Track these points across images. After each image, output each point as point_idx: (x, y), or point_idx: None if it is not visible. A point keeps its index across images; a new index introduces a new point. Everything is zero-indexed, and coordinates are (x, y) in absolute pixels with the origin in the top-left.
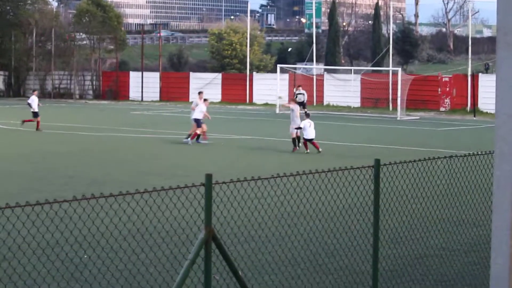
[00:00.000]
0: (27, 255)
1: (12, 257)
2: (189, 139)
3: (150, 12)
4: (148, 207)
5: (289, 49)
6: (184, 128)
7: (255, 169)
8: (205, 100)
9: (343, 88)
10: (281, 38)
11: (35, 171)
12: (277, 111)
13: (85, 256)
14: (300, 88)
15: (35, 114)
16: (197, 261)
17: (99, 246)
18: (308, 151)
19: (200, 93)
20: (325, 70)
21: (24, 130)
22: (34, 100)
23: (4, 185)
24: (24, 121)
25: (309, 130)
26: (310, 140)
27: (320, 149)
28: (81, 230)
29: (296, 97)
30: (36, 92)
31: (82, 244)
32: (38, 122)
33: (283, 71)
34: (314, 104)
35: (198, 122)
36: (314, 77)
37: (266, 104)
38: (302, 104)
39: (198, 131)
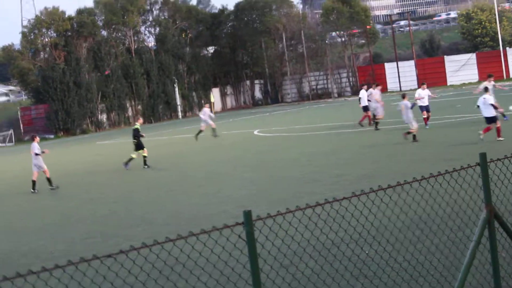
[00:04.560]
0: (312, 256)
1: (298, 260)
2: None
3: (396, 2)
4: (428, 194)
5: None
6: (447, 113)
7: None
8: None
9: None
10: None
11: (303, 175)
12: None
13: (367, 252)
14: None
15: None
16: (482, 241)
17: (382, 239)
18: None
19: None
20: None
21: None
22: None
23: (277, 190)
24: None
25: None
26: None
27: None
28: (356, 227)
29: None
30: (207, 105)
31: (358, 242)
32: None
33: None
34: None
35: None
36: None
37: None
38: None
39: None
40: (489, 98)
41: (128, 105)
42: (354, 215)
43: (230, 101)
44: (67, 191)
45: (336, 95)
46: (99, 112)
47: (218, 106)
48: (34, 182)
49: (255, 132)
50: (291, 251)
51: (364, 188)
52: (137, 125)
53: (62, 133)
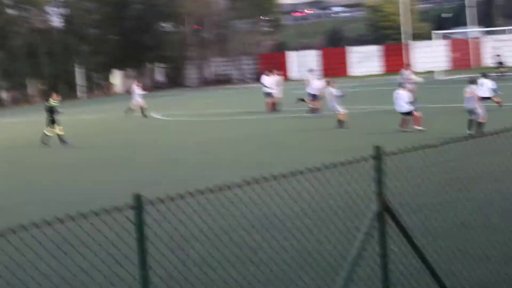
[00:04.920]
0: (201, 241)
1: (185, 244)
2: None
3: None
4: (319, 184)
5: (444, 15)
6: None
7: (417, 138)
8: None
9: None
10: (435, 4)
11: (204, 159)
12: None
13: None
14: None
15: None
16: (373, 233)
17: (272, 227)
18: None
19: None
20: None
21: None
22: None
23: (171, 175)
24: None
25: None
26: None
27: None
28: (246, 214)
29: None
30: (137, 83)
31: (255, 226)
32: None
33: (440, 37)
34: None
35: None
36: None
37: (428, 72)
38: None
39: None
40: (402, 93)
41: (29, 83)
42: (244, 202)
43: (130, 83)
44: None
45: (238, 81)
46: (0, 90)
47: (119, 88)
48: None
49: (155, 116)
50: (180, 236)
51: (259, 176)
52: (52, 101)
53: None
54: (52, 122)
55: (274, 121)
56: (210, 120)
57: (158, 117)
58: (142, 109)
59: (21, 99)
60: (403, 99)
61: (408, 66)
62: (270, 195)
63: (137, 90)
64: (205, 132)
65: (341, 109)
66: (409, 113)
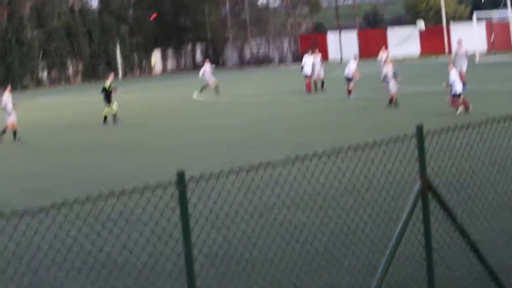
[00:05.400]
0: (245, 220)
1: (230, 222)
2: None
3: None
4: (363, 164)
5: None
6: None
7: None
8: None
9: None
10: None
11: (245, 139)
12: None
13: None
14: None
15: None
16: (416, 212)
17: (316, 205)
18: None
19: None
20: None
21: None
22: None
23: (214, 154)
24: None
25: None
26: None
27: None
28: (289, 193)
29: None
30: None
31: (299, 205)
32: None
33: (479, 19)
34: None
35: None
36: None
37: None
38: None
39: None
40: (457, 73)
41: (69, 63)
42: (288, 181)
43: (171, 63)
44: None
45: (277, 61)
46: (40, 70)
47: (158, 68)
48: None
49: (195, 96)
50: (224, 213)
51: (301, 155)
52: (107, 82)
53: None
54: (108, 101)
55: (314, 102)
56: (249, 101)
57: (198, 98)
58: (214, 87)
59: (60, 79)
60: (458, 80)
61: (460, 43)
62: (313, 173)
63: (208, 68)
64: (246, 113)
65: (393, 88)
66: (459, 95)
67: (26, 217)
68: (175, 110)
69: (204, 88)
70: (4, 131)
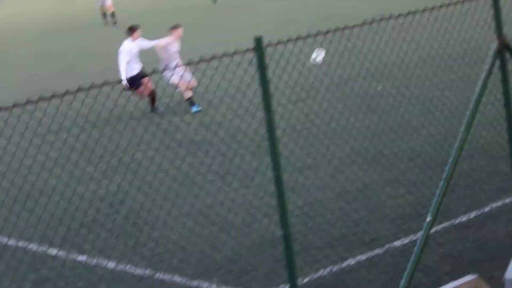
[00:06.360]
0: (322, 93)
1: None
2: None
3: None
4: (437, 33)
5: None
6: None
7: None
8: None
9: None
10: None
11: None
12: None
13: (379, 88)
14: None
15: None
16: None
17: (392, 76)
18: None
19: None
20: None
21: None
22: None
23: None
24: None
25: None
26: None
27: None
28: (364, 64)
29: None
30: None
31: (375, 76)
32: None
33: None
34: None
35: None
36: None
37: None
38: None
39: None
40: None
41: None
42: (363, 52)
43: None
44: None
45: None
46: None
47: None
48: None
49: None
50: (301, 84)
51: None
52: None
53: None
54: None
55: None
56: None
57: None
58: None
59: None
60: None
61: None
62: (387, 44)
63: None
64: None
65: None
66: None
67: None
68: None
69: None
70: None
